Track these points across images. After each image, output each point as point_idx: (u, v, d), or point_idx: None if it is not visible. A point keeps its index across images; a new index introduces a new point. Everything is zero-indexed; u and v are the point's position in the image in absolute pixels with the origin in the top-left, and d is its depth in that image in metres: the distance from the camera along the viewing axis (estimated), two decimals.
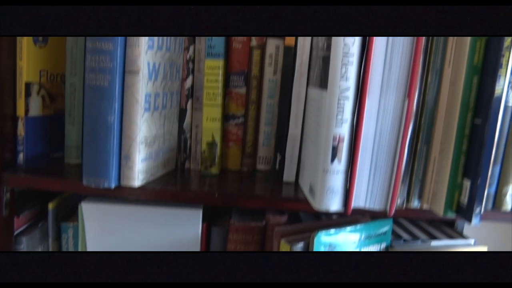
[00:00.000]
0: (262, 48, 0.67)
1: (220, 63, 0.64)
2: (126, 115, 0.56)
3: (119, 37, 0.54)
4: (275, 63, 0.67)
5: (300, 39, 0.61)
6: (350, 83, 0.50)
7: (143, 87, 0.56)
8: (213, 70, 0.64)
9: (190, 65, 0.67)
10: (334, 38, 0.49)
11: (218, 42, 0.63)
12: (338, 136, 0.51)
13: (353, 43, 0.49)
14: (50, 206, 0.66)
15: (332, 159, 0.51)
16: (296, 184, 0.65)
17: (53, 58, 0.65)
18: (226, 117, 0.68)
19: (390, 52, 0.50)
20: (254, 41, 0.66)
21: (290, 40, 0.62)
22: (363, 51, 0.49)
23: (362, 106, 0.50)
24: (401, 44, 0.50)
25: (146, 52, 0.55)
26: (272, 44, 0.67)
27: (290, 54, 0.62)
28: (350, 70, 0.49)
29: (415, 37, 0.49)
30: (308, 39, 0.61)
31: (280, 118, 0.65)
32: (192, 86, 0.67)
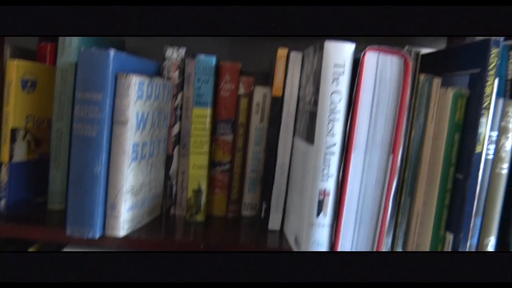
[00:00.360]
0: (250, 96, 0.68)
1: (207, 111, 0.65)
2: (113, 165, 0.56)
3: (109, 88, 0.54)
4: (262, 111, 0.68)
5: (287, 90, 0.63)
6: (336, 139, 0.51)
7: (131, 137, 0.56)
8: (200, 118, 0.65)
9: (178, 112, 0.67)
10: (321, 94, 0.51)
11: (206, 91, 0.64)
12: (324, 191, 0.51)
13: (340, 100, 0.50)
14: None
15: (318, 213, 0.52)
16: (281, 232, 0.65)
17: (41, 103, 0.65)
18: (212, 164, 0.68)
19: (376, 109, 0.51)
20: (241, 89, 0.67)
21: (277, 91, 0.63)
22: (349, 108, 0.51)
23: (348, 161, 0.51)
24: (386, 101, 0.51)
25: (135, 102, 0.56)
26: (260, 92, 0.68)
27: (277, 104, 0.63)
28: (336, 126, 0.51)
29: (400, 95, 0.51)
30: (295, 90, 0.62)
31: (266, 166, 0.66)
32: (179, 132, 0.68)
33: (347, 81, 0.50)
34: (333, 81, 0.50)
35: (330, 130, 0.50)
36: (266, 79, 0.85)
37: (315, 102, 0.52)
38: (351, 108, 0.50)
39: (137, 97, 0.56)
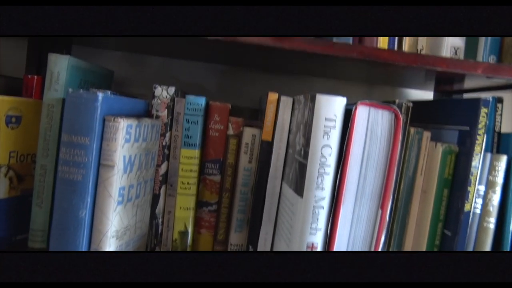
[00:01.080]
0: (239, 136, 0.67)
1: (196, 153, 0.64)
2: (98, 209, 0.55)
3: (96, 131, 0.53)
4: (250, 152, 0.67)
5: (277, 135, 0.62)
6: (326, 193, 0.50)
7: (117, 181, 0.55)
8: (188, 159, 0.64)
9: (166, 151, 0.66)
10: (311, 148, 0.50)
11: (195, 132, 0.64)
12: (312, 244, 0.51)
13: (330, 154, 0.50)
14: None
15: None
16: None
17: (25, 138, 0.64)
18: (199, 204, 0.67)
19: (366, 163, 0.51)
20: (231, 129, 0.67)
21: (267, 135, 0.63)
22: (339, 162, 0.50)
23: (337, 214, 0.51)
24: (376, 155, 0.51)
25: (123, 146, 0.55)
26: (249, 133, 0.67)
27: (266, 148, 0.63)
28: (326, 180, 0.50)
29: (390, 149, 0.51)
30: (285, 136, 0.62)
31: (254, 208, 0.65)
32: (167, 172, 0.67)
33: (338, 135, 0.50)
34: (324, 135, 0.50)
35: (320, 184, 0.50)
36: (255, 114, 0.85)
37: (305, 155, 0.52)
38: (342, 162, 0.50)
39: (124, 141, 0.55)
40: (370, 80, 0.86)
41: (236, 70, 0.91)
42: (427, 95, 0.93)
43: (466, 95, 0.86)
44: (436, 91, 0.89)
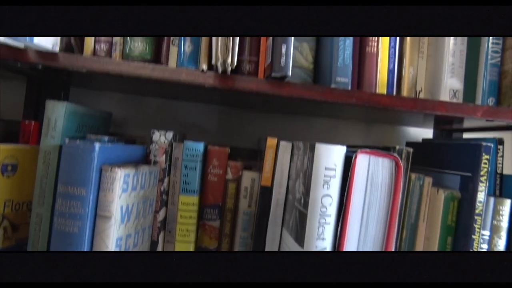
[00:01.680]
0: (238, 181, 0.66)
1: (195, 199, 0.63)
2: None
3: (93, 182, 0.52)
4: (250, 196, 0.67)
5: (277, 180, 0.61)
6: (327, 243, 0.49)
7: (114, 231, 0.54)
8: (187, 206, 0.63)
9: (164, 197, 0.65)
10: (311, 198, 0.49)
11: (194, 178, 0.63)
12: None
13: (331, 204, 0.49)
14: None
15: None
16: None
17: (21, 186, 0.63)
18: (199, 249, 0.66)
19: (367, 212, 0.50)
20: (229, 174, 0.66)
21: (266, 181, 0.62)
22: (340, 212, 0.49)
23: None
24: (377, 204, 0.50)
25: (120, 196, 0.54)
26: (248, 177, 0.66)
27: (266, 193, 0.62)
28: (327, 230, 0.49)
29: (392, 197, 0.50)
30: (285, 181, 0.61)
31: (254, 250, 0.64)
32: (165, 218, 0.66)
33: (338, 184, 0.50)
34: (324, 184, 0.49)
35: (321, 234, 0.49)
36: (255, 155, 0.84)
37: (305, 204, 0.51)
38: (343, 212, 0.49)
39: (122, 191, 0.54)
40: (369, 119, 0.86)
41: (235, 111, 0.91)
42: (426, 132, 0.92)
43: (466, 134, 0.86)
44: (435, 129, 0.89)
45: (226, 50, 0.53)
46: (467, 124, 0.71)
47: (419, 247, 0.53)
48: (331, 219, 0.49)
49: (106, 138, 0.63)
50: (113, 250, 0.54)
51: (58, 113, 0.62)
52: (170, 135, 0.65)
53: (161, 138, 0.65)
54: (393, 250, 0.50)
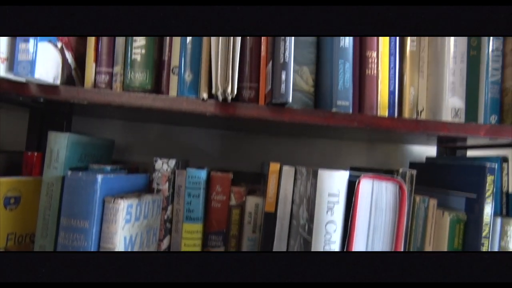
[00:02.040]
0: (242, 206, 0.66)
1: (198, 227, 0.63)
2: None
3: (96, 214, 0.52)
4: (254, 221, 0.66)
5: (280, 206, 0.61)
6: None
7: None
8: (191, 234, 0.62)
9: (168, 225, 0.65)
10: (315, 225, 0.49)
11: (197, 206, 0.63)
12: None
13: (335, 231, 0.49)
14: None
15: None
16: None
17: (24, 218, 0.63)
18: None
19: (372, 236, 0.50)
20: (233, 200, 0.66)
21: (270, 207, 0.61)
22: (345, 237, 0.49)
23: None
24: (382, 228, 0.50)
25: (123, 227, 0.54)
26: (252, 202, 0.66)
27: (270, 219, 0.62)
28: None
29: (396, 221, 0.49)
30: (289, 207, 0.61)
31: None
32: (169, 247, 0.65)
33: (342, 210, 0.49)
34: (327, 211, 0.49)
35: None
36: (258, 179, 0.84)
37: (309, 231, 0.50)
38: (347, 237, 0.49)
39: (125, 222, 0.54)
40: (372, 139, 0.85)
41: (237, 135, 0.91)
42: (430, 150, 0.92)
43: (470, 152, 0.85)
44: (439, 146, 0.88)
45: (226, 79, 0.53)
46: (470, 142, 0.71)
47: None
48: (335, 246, 0.49)
49: (108, 167, 0.63)
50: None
51: (60, 144, 0.62)
52: (172, 162, 0.65)
53: (163, 166, 0.65)
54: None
